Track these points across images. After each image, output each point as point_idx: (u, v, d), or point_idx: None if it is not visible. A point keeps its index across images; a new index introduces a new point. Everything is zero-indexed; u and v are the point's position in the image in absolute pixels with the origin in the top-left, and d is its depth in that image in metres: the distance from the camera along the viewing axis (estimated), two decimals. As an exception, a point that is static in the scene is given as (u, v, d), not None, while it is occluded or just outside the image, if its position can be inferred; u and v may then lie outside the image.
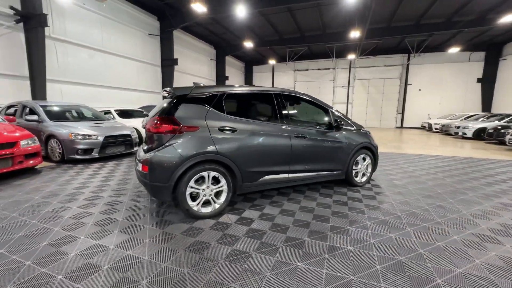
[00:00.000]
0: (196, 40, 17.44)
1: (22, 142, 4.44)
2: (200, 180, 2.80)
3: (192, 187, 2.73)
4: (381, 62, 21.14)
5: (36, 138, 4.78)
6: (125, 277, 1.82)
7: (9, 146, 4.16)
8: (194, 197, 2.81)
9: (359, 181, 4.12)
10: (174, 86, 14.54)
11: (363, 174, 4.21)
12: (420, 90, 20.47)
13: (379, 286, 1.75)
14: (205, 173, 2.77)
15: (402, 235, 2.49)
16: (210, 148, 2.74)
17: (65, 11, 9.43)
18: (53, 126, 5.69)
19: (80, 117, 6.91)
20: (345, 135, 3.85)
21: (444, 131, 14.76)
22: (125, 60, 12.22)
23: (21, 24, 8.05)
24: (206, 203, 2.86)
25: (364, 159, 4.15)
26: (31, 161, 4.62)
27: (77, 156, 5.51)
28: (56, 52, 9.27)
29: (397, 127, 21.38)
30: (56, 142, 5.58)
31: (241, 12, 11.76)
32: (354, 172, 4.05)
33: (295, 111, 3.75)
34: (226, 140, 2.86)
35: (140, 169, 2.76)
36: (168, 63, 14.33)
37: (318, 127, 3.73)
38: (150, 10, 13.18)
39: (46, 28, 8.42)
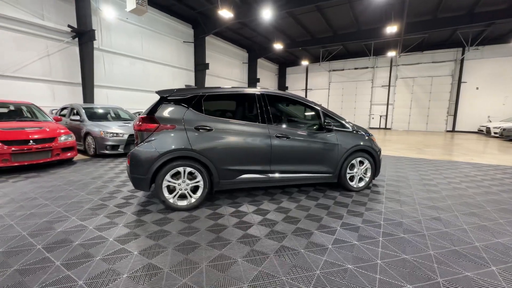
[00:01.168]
0: (228, 44, 18.16)
1: (62, 138, 5.32)
2: (178, 175, 3.02)
3: (168, 181, 2.96)
4: (428, 58, 18.99)
5: (72, 134, 5.66)
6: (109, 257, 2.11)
7: (49, 141, 5.03)
8: (172, 190, 3.04)
9: (355, 186, 3.87)
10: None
11: (361, 179, 3.94)
12: (477, 88, 17.76)
13: (304, 289, 1.70)
14: (181, 169, 2.98)
15: (368, 243, 2.31)
16: (185, 145, 2.95)
17: (111, 26, 10.87)
18: (89, 125, 6.65)
19: (115, 117, 7.88)
20: (336, 136, 3.67)
21: (505, 136, 12.58)
22: (162, 66, 13.45)
23: (76, 39, 9.55)
24: (183, 196, 3.07)
25: (361, 162, 3.89)
26: (68, 154, 5.49)
27: (106, 151, 6.33)
28: (103, 62, 10.74)
29: (448, 131, 18.90)
30: (91, 138, 6.50)
31: (266, 15, 11.91)
32: (348, 176, 3.83)
33: (279, 112, 3.73)
34: (201, 138, 3.03)
35: (126, 162, 3.11)
36: (200, 68, 15.27)
37: (305, 127, 3.64)
38: (185, 19, 14.25)
39: (96, 41, 9.87)
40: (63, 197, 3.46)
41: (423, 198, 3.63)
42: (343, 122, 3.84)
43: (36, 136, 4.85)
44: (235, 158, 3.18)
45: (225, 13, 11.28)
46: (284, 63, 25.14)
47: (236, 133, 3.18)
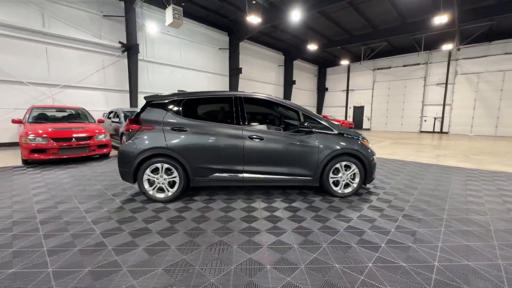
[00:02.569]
0: (263, 48, 18.51)
1: (98, 136, 6.38)
2: (158, 170, 3.40)
3: (148, 175, 3.37)
4: (498, 49, 15.92)
5: (108, 134, 6.72)
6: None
7: (87, 139, 6.11)
8: (153, 183, 3.43)
9: (339, 192, 3.68)
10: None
11: (348, 185, 3.71)
12: None
13: None
14: (159, 165, 3.36)
15: (307, 248, 2.26)
16: (162, 144, 3.31)
17: (154, 39, 12.35)
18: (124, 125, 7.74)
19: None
20: (317, 138, 3.56)
21: None
22: (199, 73, 14.58)
23: (126, 53, 11.18)
24: (162, 189, 3.44)
25: (348, 167, 3.67)
26: (104, 150, 6.56)
27: (135, 149, 7.28)
28: (147, 71, 12.27)
29: (526, 136, 15.44)
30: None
31: (295, 17, 11.82)
32: (333, 180, 3.66)
33: (256, 114, 3.79)
34: (176, 138, 3.35)
35: (118, 158, 3.64)
36: (234, 73, 15.99)
37: (282, 129, 3.63)
38: (220, 27, 15.16)
39: (141, 54, 11.40)
40: (81, 187, 4.22)
41: (415, 209, 3.23)
42: (327, 124, 3.69)
43: (77, 135, 5.95)
44: (208, 157, 3.41)
45: (253, 19, 11.63)
46: (323, 63, 24.29)
47: (209, 134, 3.41)
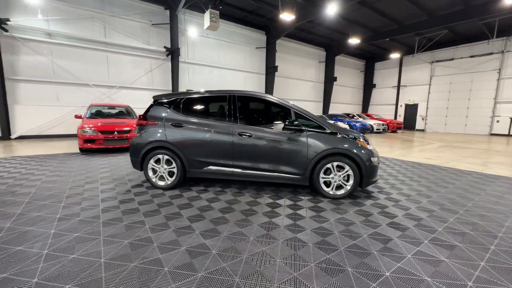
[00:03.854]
0: (302, 44, 18.11)
1: (135, 130, 7.38)
2: (160, 161, 3.87)
3: (152, 165, 3.87)
4: None
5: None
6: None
7: (126, 132, 7.13)
8: (155, 172, 3.92)
9: (331, 193, 3.56)
10: (273, 91, 16.09)
11: (340, 186, 3.56)
12: None
13: None
14: (160, 156, 3.82)
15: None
16: (162, 137, 3.75)
17: (195, 42, 13.38)
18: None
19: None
20: (307, 137, 3.51)
21: None
22: (234, 72, 15.19)
23: (169, 56, 12.44)
24: (162, 178, 3.90)
25: (340, 167, 3.52)
26: (141, 143, 7.56)
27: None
28: (188, 72, 13.40)
29: None
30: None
31: (332, 10, 11.30)
32: (324, 180, 3.56)
33: (248, 111, 3.88)
34: (174, 132, 3.75)
35: (133, 148, 4.23)
36: (270, 71, 16.14)
37: (273, 126, 3.67)
38: (257, 27, 15.46)
39: (183, 56, 12.58)
40: (110, 172, 5.04)
41: (406, 217, 2.93)
42: (320, 122, 3.60)
43: (118, 129, 7.01)
44: (202, 151, 3.72)
45: (287, 16, 11.57)
46: (371, 58, 22.39)
47: (203, 130, 3.71)
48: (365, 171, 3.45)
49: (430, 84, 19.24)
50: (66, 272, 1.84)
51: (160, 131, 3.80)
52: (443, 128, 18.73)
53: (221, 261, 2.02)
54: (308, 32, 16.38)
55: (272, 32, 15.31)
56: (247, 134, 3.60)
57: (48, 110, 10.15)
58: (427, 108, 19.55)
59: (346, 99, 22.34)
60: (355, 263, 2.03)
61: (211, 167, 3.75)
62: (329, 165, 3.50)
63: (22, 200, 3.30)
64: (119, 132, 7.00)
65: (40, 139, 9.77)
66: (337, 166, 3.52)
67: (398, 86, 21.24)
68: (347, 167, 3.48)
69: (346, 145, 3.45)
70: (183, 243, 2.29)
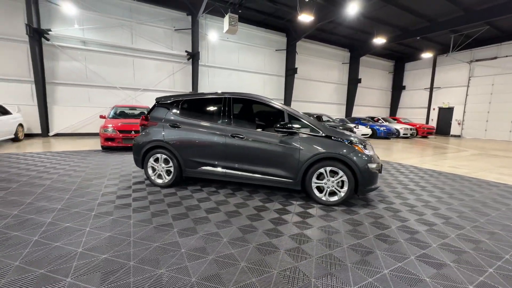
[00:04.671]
0: (324, 46, 17.65)
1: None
2: (158, 160, 4.03)
3: (152, 163, 4.05)
4: None
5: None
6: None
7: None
8: (154, 170, 4.09)
9: (323, 199, 3.41)
10: (292, 93, 15.86)
11: (334, 193, 3.40)
12: None
13: None
14: (159, 155, 3.99)
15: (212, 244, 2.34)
16: (160, 137, 3.92)
17: (215, 46, 13.77)
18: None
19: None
20: (299, 140, 3.41)
21: None
22: (253, 74, 15.30)
23: (191, 60, 12.95)
24: (160, 176, 4.06)
25: (334, 173, 3.36)
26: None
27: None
28: (208, 75, 13.82)
29: None
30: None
31: (353, 9, 10.88)
32: (316, 185, 3.43)
33: (242, 113, 3.87)
34: (172, 133, 3.89)
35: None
36: (290, 73, 15.97)
37: (266, 129, 3.63)
38: (277, 29, 15.42)
39: (203, 60, 13.05)
40: (119, 169, 5.38)
41: (387, 235, 2.70)
42: (313, 125, 3.48)
43: (135, 128, 7.46)
44: (196, 151, 3.81)
45: (305, 18, 11.40)
46: (400, 58, 21.06)
47: (198, 131, 3.80)
48: (360, 178, 3.25)
49: (468, 86, 17.52)
50: (46, 258, 2.00)
51: (159, 131, 3.97)
52: (482, 134, 16.91)
53: (186, 260, 2.05)
54: (330, 33, 15.94)
55: (292, 34, 15.17)
56: (240, 136, 3.61)
57: (81, 110, 11.15)
58: (464, 112, 17.82)
59: (372, 101, 21.27)
60: (321, 274, 1.92)
61: (205, 167, 3.82)
62: (322, 170, 3.37)
63: (35, 190, 3.67)
64: (136, 131, 7.43)
65: (73, 137, 10.76)
66: (331, 171, 3.37)
67: (431, 88, 19.68)
68: (341, 173, 3.31)
69: (340, 150, 3.28)
70: (158, 240, 2.36)
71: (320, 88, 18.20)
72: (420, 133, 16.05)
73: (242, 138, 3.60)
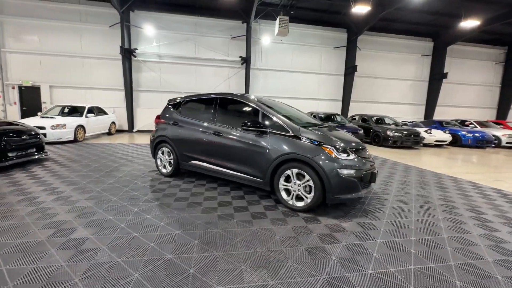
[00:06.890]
0: (395, 38, 15.29)
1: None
2: (164, 152, 4.70)
3: (160, 155, 4.75)
4: None
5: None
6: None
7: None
8: (162, 161, 4.78)
9: (290, 203, 3.22)
10: (351, 93, 14.58)
11: (300, 198, 3.16)
12: None
13: None
14: (164, 149, 4.65)
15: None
16: (164, 134, 4.55)
17: (268, 49, 14.16)
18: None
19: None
20: (269, 140, 3.33)
21: None
22: (308, 75, 14.84)
23: (244, 65, 13.81)
24: (165, 167, 4.71)
25: (301, 175, 3.12)
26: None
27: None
28: (260, 78, 14.35)
29: None
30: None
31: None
32: (283, 188, 3.28)
33: (225, 112, 3.98)
34: (171, 129, 4.46)
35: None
36: (349, 71, 14.67)
37: (241, 127, 3.66)
38: (336, 25, 14.45)
39: (256, 63, 13.72)
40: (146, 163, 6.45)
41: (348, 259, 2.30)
42: (283, 124, 3.31)
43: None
44: (186, 146, 4.25)
45: (361, 9, 10.33)
46: (515, 42, 15.90)
47: (190, 128, 4.22)
48: (327, 184, 2.91)
49: None
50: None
51: (165, 128, 4.62)
52: None
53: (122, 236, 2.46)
54: (401, 21, 13.73)
55: (353, 29, 13.90)
56: (220, 134, 3.81)
57: (156, 111, 13.54)
58: None
59: (466, 101, 16.96)
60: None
61: (194, 161, 4.21)
62: (288, 172, 3.19)
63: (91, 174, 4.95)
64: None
65: (149, 132, 13.32)
66: (298, 174, 3.14)
67: None
68: (307, 176, 3.05)
69: (305, 151, 3.03)
70: (120, 221, 2.88)
71: (389, 87, 15.91)
72: (538, 142, 11.76)
73: (221, 135, 3.79)
